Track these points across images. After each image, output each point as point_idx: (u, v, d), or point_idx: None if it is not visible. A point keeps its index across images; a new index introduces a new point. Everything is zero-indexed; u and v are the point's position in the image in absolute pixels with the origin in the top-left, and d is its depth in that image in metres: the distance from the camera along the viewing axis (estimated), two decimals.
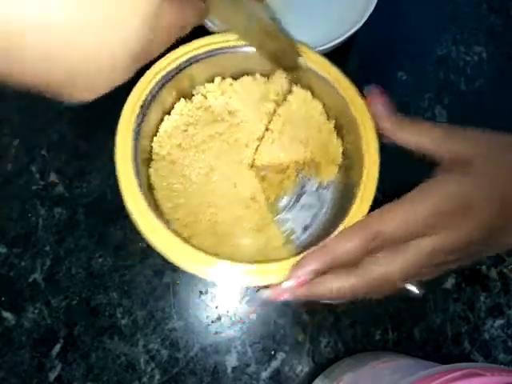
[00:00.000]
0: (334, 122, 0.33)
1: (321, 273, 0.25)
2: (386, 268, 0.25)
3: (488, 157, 0.26)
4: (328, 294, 0.26)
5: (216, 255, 0.27)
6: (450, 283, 0.37)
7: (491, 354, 0.36)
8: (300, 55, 0.32)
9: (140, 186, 0.28)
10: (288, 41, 0.31)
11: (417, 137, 0.27)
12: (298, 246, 0.32)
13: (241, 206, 0.31)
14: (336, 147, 0.33)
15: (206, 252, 0.27)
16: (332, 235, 0.28)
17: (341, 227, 0.28)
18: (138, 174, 0.28)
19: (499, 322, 0.37)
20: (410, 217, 0.24)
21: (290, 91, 0.34)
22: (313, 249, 0.26)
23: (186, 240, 0.28)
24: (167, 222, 0.29)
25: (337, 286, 0.25)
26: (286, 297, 0.26)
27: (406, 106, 0.42)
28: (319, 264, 0.25)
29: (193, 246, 0.27)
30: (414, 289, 0.28)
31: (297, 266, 0.26)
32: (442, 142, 0.27)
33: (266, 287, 0.27)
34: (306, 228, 0.34)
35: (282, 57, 0.32)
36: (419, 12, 0.45)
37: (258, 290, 0.28)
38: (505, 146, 0.27)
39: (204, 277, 0.27)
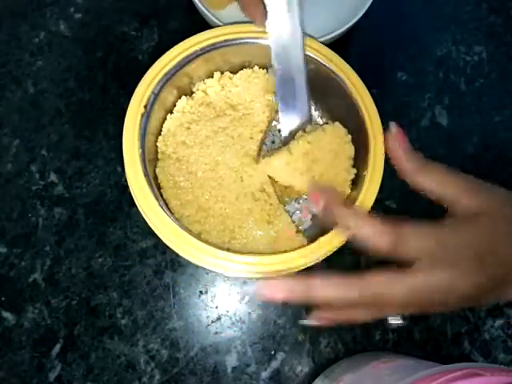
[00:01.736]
0: (355, 172, 0.32)
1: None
2: (391, 289, 0.24)
3: (496, 215, 0.26)
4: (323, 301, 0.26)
5: (228, 249, 0.28)
6: None
7: (491, 354, 0.36)
8: None
9: (150, 185, 0.28)
10: None
11: (440, 188, 0.26)
12: (308, 236, 0.32)
13: (249, 198, 0.31)
14: (344, 194, 0.32)
15: (217, 246, 0.27)
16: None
17: None
18: (146, 173, 0.29)
19: (499, 321, 0.37)
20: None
21: (327, 122, 0.33)
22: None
23: (197, 236, 0.28)
24: (177, 220, 0.29)
25: (336, 296, 0.25)
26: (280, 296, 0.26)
27: (406, 105, 0.42)
28: (293, 295, 0.25)
29: (204, 241, 0.28)
30: (397, 320, 0.28)
31: (271, 284, 0.25)
32: (462, 196, 0.26)
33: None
34: (314, 217, 0.35)
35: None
36: (419, 12, 0.45)
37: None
38: None
39: (218, 271, 0.27)
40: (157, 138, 0.33)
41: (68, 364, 0.34)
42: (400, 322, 0.28)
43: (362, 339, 0.36)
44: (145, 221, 0.29)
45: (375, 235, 0.24)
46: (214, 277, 0.36)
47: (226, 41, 0.32)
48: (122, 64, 0.42)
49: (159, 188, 0.31)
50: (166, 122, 0.33)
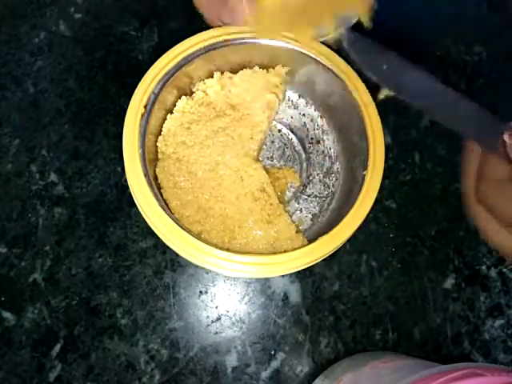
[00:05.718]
0: None
1: None
2: None
3: None
4: None
5: (228, 249, 0.28)
6: (449, 283, 0.37)
7: (491, 354, 0.36)
8: None
9: (150, 185, 0.28)
10: None
11: None
12: (308, 236, 0.32)
13: (250, 198, 0.31)
14: None
15: (217, 246, 0.27)
16: (341, 223, 0.28)
17: (349, 215, 0.28)
18: (146, 174, 0.29)
19: (499, 321, 0.37)
20: None
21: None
22: None
23: (197, 236, 0.29)
24: (177, 220, 0.29)
25: None
26: None
27: (406, 105, 0.42)
28: None
29: (204, 241, 0.28)
30: None
31: None
32: None
33: None
34: (314, 217, 0.35)
35: None
36: (419, 12, 0.45)
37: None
38: None
39: (218, 271, 0.27)
40: (157, 138, 0.33)
41: (68, 364, 0.34)
42: None
43: (362, 339, 0.36)
44: (145, 221, 0.29)
45: None
46: (214, 277, 0.36)
47: (225, 41, 0.32)
48: (122, 64, 0.42)
49: (159, 188, 0.31)
50: (166, 122, 0.33)
